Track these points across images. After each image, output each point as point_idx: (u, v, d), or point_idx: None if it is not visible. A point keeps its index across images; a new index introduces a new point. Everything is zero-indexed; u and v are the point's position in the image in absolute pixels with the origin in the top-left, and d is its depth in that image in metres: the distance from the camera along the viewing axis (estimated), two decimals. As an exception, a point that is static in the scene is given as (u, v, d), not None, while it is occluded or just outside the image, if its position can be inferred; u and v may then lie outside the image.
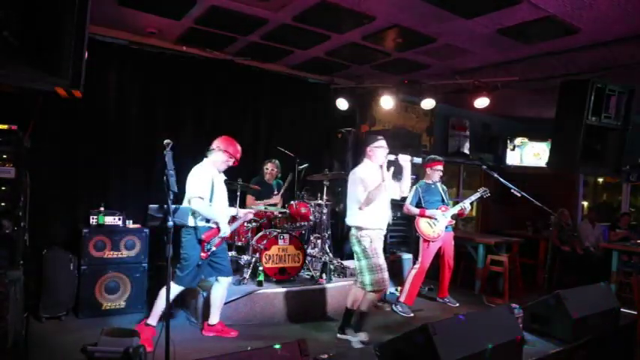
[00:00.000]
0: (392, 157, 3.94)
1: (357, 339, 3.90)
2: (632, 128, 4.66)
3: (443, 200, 5.21)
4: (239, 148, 3.98)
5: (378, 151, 3.94)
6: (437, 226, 5.06)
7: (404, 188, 4.07)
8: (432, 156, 5.43)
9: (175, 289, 3.68)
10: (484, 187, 5.24)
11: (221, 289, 3.95)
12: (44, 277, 4.09)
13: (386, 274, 3.85)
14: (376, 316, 4.84)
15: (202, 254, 3.69)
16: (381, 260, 3.84)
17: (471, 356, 2.54)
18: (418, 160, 4.09)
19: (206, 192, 3.66)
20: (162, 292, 3.65)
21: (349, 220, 4.00)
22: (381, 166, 3.88)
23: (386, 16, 4.24)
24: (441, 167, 5.23)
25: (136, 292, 4.45)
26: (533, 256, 7.16)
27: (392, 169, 3.92)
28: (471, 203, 5.28)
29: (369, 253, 3.82)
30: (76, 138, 4.82)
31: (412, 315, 4.95)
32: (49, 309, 4.10)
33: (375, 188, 3.78)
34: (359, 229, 3.88)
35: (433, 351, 2.38)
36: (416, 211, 5.11)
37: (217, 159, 3.84)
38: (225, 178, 4.04)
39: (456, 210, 5.12)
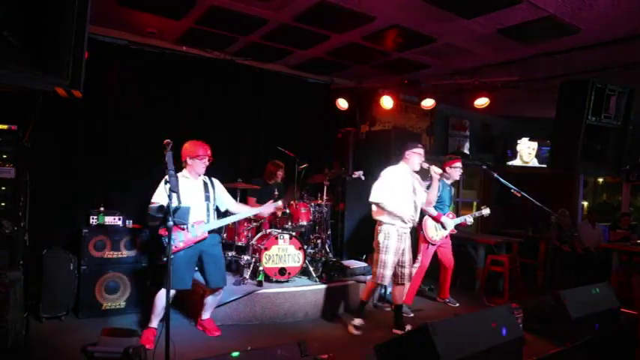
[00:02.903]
0: (425, 166, 4.14)
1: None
2: (632, 128, 4.67)
3: (449, 202, 5.28)
4: (197, 147, 3.79)
5: (415, 156, 4.17)
6: (441, 231, 5.12)
7: (431, 198, 4.28)
8: (449, 155, 5.50)
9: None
10: (487, 208, 5.37)
11: (210, 297, 4.00)
12: (44, 277, 4.08)
13: (387, 271, 4.08)
14: (376, 316, 4.84)
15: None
16: (389, 257, 4.06)
17: (471, 356, 2.54)
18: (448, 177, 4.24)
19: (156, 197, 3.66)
20: (159, 293, 3.70)
21: (373, 213, 4.25)
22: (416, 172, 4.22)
23: (386, 16, 4.24)
24: (459, 164, 5.22)
25: (136, 292, 4.45)
26: (533, 256, 7.15)
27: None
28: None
29: (380, 249, 4.11)
30: (76, 138, 4.82)
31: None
32: (49, 309, 4.09)
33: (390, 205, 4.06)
34: (379, 222, 4.17)
35: (433, 351, 2.37)
36: (434, 212, 5.09)
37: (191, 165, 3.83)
38: (204, 178, 3.92)
39: (459, 221, 5.24)
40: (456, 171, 5.21)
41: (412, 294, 5.08)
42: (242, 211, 4.13)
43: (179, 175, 3.72)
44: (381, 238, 4.11)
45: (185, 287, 3.72)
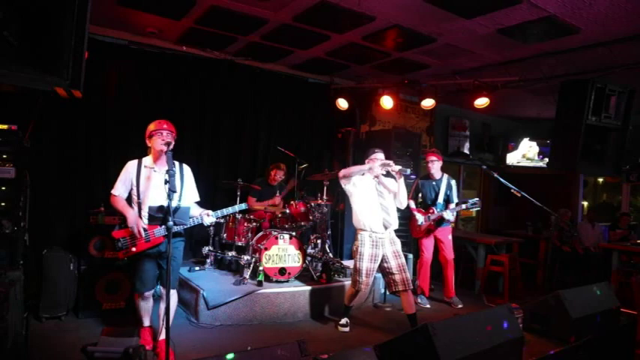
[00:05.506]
0: (389, 168, 3.99)
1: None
2: (632, 128, 4.67)
3: (436, 198, 5.16)
4: (153, 126, 3.42)
5: (371, 163, 4.10)
6: (418, 226, 5.18)
7: (400, 196, 4.11)
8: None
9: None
10: (477, 199, 4.99)
11: (161, 303, 3.32)
12: (44, 277, 4.08)
13: (362, 278, 4.04)
14: (376, 316, 4.84)
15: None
16: (363, 264, 4.03)
17: (471, 356, 2.54)
18: (406, 170, 4.01)
19: (118, 188, 3.47)
20: (135, 299, 3.45)
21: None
22: (377, 177, 4.12)
23: (386, 16, 4.24)
24: (433, 158, 5.19)
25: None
26: (533, 256, 7.16)
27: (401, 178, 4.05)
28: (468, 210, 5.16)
29: (355, 255, 4.12)
30: (76, 138, 4.82)
31: (429, 306, 5.14)
32: (49, 309, 4.09)
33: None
34: (357, 230, 4.18)
35: (433, 351, 2.38)
36: (410, 204, 5.19)
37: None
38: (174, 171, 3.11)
39: (435, 216, 5.10)
40: (428, 165, 5.20)
41: (424, 285, 5.27)
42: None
43: (142, 162, 3.45)
44: (356, 245, 4.11)
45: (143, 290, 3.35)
